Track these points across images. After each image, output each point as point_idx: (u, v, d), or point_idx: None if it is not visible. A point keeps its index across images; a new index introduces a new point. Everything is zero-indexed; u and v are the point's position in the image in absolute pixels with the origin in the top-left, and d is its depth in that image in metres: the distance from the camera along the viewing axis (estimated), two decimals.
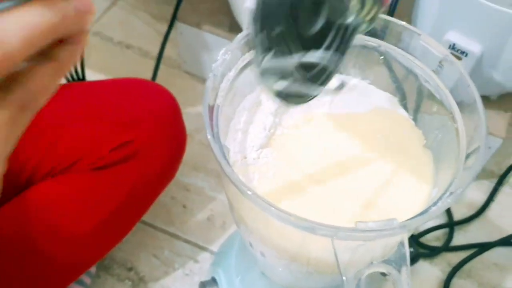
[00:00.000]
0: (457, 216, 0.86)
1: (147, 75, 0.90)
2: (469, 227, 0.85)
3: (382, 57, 0.48)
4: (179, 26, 0.94)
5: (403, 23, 0.46)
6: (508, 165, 0.91)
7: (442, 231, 0.84)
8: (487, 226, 0.86)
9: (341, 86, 0.36)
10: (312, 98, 0.38)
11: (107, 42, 1.08)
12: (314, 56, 0.35)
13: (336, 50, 0.36)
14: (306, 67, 0.36)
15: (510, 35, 0.69)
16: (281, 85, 0.36)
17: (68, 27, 0.25)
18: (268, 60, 0.35)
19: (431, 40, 0.45)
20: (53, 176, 0.64)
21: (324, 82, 0.37)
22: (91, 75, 1.02)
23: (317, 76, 0.36)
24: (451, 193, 0.39)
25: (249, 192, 0.37)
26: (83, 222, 0.63)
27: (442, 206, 0.37)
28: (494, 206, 0.88)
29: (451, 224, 0.84)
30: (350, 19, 0.35)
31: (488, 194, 0.88)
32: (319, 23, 0.34)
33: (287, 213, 0.36)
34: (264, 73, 0.36)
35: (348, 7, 0.34)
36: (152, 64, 0.92)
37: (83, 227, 0.63)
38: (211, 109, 0.42)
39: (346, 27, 0.35)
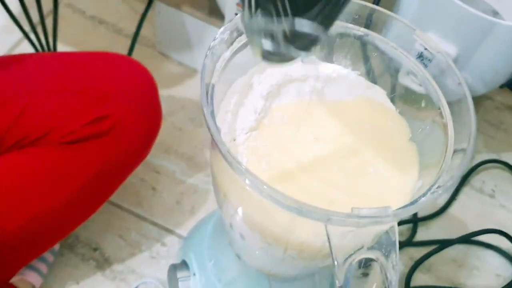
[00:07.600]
0: (421, 213, 0.89)
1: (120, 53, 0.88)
2: (431, 224, 0.88)
3: (374, 51, 0.48)
4: (157, 5, 0.92)
5: (401, 18, 0.46)
6: (471, 166, 0.95)
7: (406, 227, 0.87)
8: (448, 224, 0.89)
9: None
10: (293, 59, 0.38)
11: (79, 16, 1.04)
12: (301, 24, 0.34)
13: (324, 19, 0.35)
14: (291, 33, 0.35)
15: (483, 39, 0.72)
16: (267, 44, 0.35)
17: None
18: (255, 18, 0.34)
19: (424, 35, 0.46)
20: (20, 148, 0.62)
21: (307, 48, 0.36)
22: (60, 49, 0.98)
23: (301, 41, 0.36)
24: (439, 186, 0.40)
25: (244, 171, 0.36)
26: (49, 197, 0.61)
27: (431, 197, 0.38)
28: (455, 205, 0.91)
29: (415, 220, 0.87)
30: None
31: (451, 194, 0.91)
32: None
33: (282, 194, 0.36)
34: (250, 29, 0.35)
35: None
36: (125, 42, 0.90)
37: (48, 203, 0.61)
38: (207, 87, 0.41)
39: None
